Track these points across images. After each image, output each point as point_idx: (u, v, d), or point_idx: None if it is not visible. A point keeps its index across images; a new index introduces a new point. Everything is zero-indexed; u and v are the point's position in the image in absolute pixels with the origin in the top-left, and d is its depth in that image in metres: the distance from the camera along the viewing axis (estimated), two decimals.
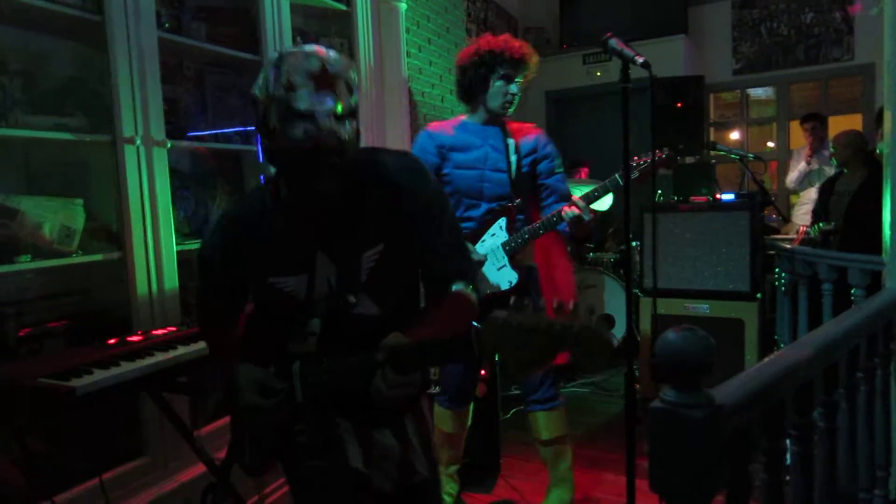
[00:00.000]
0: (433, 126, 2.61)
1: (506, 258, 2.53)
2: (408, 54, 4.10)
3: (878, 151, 4.19)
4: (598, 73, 5.91)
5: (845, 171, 4.21)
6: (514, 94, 2.48)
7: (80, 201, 2.28)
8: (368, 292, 1.43)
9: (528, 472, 3.13)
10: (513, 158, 2.55)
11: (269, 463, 1.54)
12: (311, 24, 3.50)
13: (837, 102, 6.08)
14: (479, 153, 2.53)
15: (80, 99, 2.36)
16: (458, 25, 4.93)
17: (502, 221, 2.54)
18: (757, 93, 6.80)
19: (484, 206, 2.55)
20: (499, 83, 2.46)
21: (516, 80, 2.48)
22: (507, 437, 3.48)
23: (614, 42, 1.79)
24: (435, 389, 2.79)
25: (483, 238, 2.55)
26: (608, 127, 5.57)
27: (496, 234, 2.54)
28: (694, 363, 1.09)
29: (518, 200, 2.58)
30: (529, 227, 2.54)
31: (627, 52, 1.75)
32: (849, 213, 4.07)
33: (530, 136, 2.61)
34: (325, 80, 1.22)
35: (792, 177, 5.52)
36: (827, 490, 1.76)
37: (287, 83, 1.21)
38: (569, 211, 2.42)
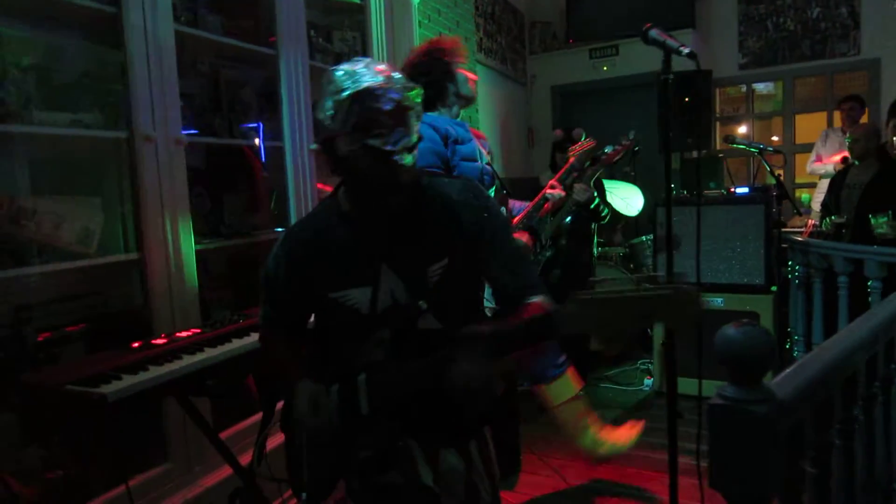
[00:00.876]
0: (426, 117, 2.52)
1: None
2: None
3: (887, 142, 4.16)
4: (605, 68, 5.88)
5: (856, 163, 4.18)
6: (473, 93, 2.56)
7: (98, 200, 2.25)
8: (431, 307, 1.41)
9: (550, 467, 3.10)
10: (486, 152, 2.65)
11: (330, 489, 1.50)
12: (325, 18, 3.47)
13: (843, 97, 6.03)
14: (473, 146, 2.56)
15: (95, 95, 2.33)
16: (468, 19, 4.89)
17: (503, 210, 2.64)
18: (759, 87, 6.77)
19: None
20: (459, 73, 2.50)
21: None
22: (526, 433, 3.46)
23: (655, 33, 1.74)
24: None
25: None
26: (615, 121, 5.57)
27: None
28: (755, 358, 1.07)
29: (506, 190, 2.72)
30: (525, 214, 2.76)
31: (671, 42, 1.70)
32: (861, 206, 4.04)
33: (480, 135, 2.71)
34: (398, 116, 1.26)
35: (815, 167, 5.49)
36: (865, 481, 1.74)
37: (365, 121, 1.25)
38: (553, 192, 2.74)
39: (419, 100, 1.33)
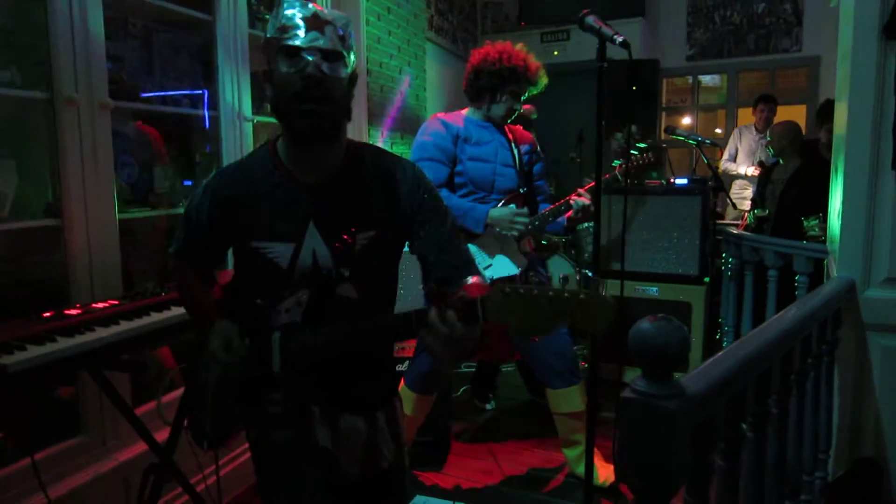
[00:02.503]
0: (443, 115, 2.68)
1: (515, 244, 2.62)
2: (367, 22, 3.99)
3: (821, 142, 4.29)
4: (556, 53, 5.87)
5: (780, 161, 4.30)
6: (516, 110, 2.64)
7: (12, 163, 2.12)
8: (351, 276, 1.42)
9: (478, 451, 3.13)
10: (516, 154, 2.68)
11: (229, 435, 1.52)
12: None
13: (784, 92, 6.20)
14: (491, 147, 2.62)
15: (13, 52, 2.19)
16: None
17: (512, 207, 2.61)
18: (706, 79, 6.89)
19: (493, 199, 2.63)
20: (506, 97, 2.59)
21: (522, 97, 2.63)
22: (457, 414, 3.48)
23: (591, 19, 1.72)
24: (402, 366, 2.78)
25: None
26: (565, 107, 5.57)
27: None
28: (669, 353, 1.07)
29: (524, 190, 2.68)
30: (539, 214, 2.64)
31: (606, 30, 1.69)
32: (780, 201, 4.17)
33: (525, 138, 2.77)
34: (315, 22, 1.32)
35: (729, 166, 5.60)
36: (776, 474, 1.80)
37: (282, 26, 1.32)
38: (578, 200, 2.56)
39: (350, 30, 1.39)
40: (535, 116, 4.07)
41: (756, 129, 5.43)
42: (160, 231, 2.90)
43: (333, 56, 1.33)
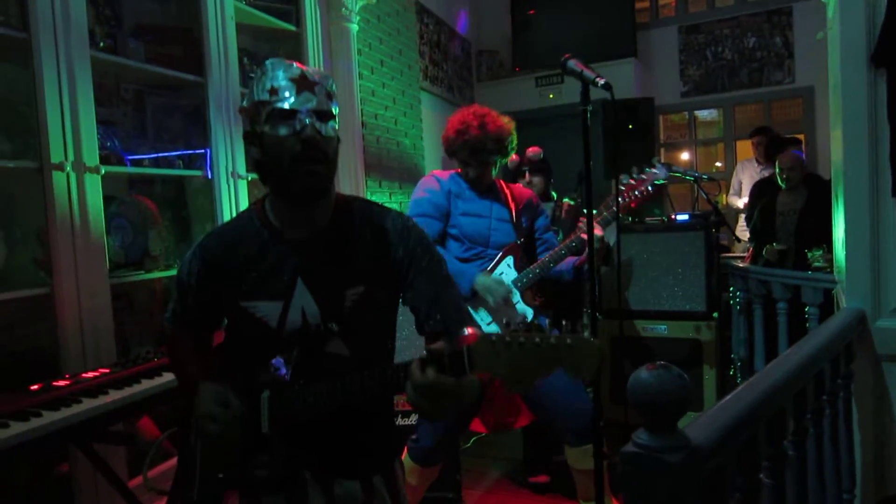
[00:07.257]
0: (439, 173, 2.68)
1: (518, 294, 2.53)
2: (360, 76, 4.02)
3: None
4: (551, 96, 5.93)
5: (783, 188, 4.27)
6: (488, 173, 2.59)
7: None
8: (341, 333, 1.39)
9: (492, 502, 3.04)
10: (513, 210, 2.64)
11: (219, 501, 1.45)
12: (259, 45, 3.40)
13: (780, 123, 6.24)
14: (486, 202, 2.60)
15: (3, 122, 2.20)
16: (412, 48, 4.87)
17: (510, 259, 2.57)
18: (703, 114, 6.94)
19: (490, 253, 2.58)
20: (471, 167, 2.57)
21: (496, 159, 2.58)
22: (469, 466, 3.39)
23: (573, 63, 1.73)
24: (407, 420, 2.70)
25: (493, 276, 2.54)
26: (561, 149, 5.59)
27: (505, 273, 2.56)
28: (669, 404, 1.02)
29: (521, 240, 2.63)
30: (539, 262, 2.58)
31: (588, 73, 1.70)
32: (800, 232, 4.11)
33: (525, 193, 2.74)
34: (305, 83, 1.32)
35: (733, 199, 5.59)
36: None
37: (271, 88, 1.31)
38: (582, 237, 2.48)
39: (334, 88, 1.38)
40: (541, 157, 4.04)
41: (757, 161, 5.42)
42: (157, 293, 2.88)
43: (326, 116, 1.33)
